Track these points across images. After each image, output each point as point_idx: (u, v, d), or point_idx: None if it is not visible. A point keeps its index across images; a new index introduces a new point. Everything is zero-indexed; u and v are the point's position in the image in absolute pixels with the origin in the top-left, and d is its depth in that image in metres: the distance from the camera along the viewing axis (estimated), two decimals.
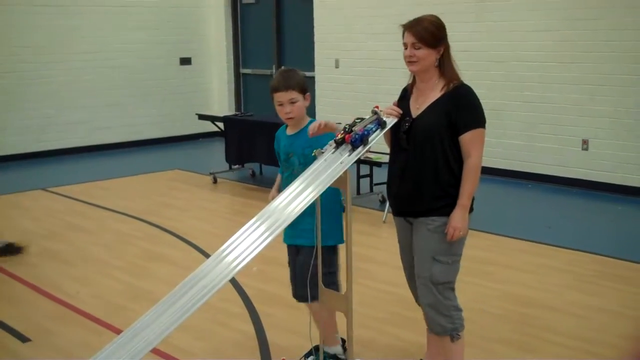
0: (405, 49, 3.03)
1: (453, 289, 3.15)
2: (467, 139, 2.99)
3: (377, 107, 2.98)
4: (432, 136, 2.99)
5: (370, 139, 2.89)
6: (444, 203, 3.03)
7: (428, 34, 2.98)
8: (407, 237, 3.22)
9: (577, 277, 4.85)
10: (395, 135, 3.10)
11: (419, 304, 3.33)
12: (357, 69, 9.14)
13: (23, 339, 3.97)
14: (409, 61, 3.03)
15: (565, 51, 7.26)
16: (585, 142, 7.24)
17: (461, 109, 2.99)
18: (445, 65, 3.04)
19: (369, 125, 2.89)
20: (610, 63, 6.96)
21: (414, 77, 3.14)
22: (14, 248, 5.45)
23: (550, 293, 4.55)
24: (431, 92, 3.06)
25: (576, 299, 4.45)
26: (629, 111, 6.91)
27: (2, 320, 4.22)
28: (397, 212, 3.25)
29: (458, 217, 2.99)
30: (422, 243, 3.10)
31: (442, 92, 3.03)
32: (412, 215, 3.14)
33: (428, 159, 3.01)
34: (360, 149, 2.87)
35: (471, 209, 3.10)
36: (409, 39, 3.01)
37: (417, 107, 3.09)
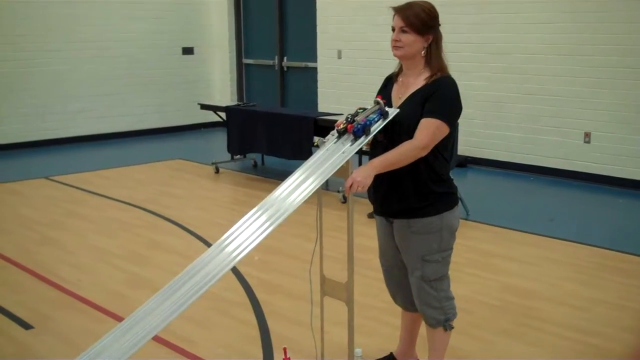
0: (393, 32, 2.93)
1: (446, 278, 3.08)
2: (422, 122, 2.84)
3: (379, 97, 2.96)
4: (408, 128, 2.87)
5: (372, 129, 2.87)
6: (426, 202, 2.92)
7: (417, 19, 2.87)
8: (387, 238, 3.13)
9: (577, 269, 4.86)
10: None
11: (398, 304, 3.30)
12: (360, 60, 9.12)
13: (25, 325, 3.99)
14: (394, 45, 2.93)
15: (567, 43, 7.24)
16: (587, 135, 7.23)
17: (433, 97, 2.86)
18: (432, 56, 2.92)
19: (371, 116, 2.88)
20: (613, 56, 6.94)
21: (401, 66, 3.05)
22: None
23: (550, 285, 4.56)
24: (414, 82, 2.95)
25: (576, 291, 4.46)
26: (632, 104, 6.90)
27: (4, 306, 4.24)
28: (377, 211, 3.14)
29: (361, 170, 2.78)
30: (408, 245, 3.01)
31: (424, 83, 2.92)
32: (391, 215, 3.03)
33: None
34: (362, 139, 2.86)
35: (456, 202, 3.03)
36: (398, 22, 2.90)
37: (399, 97, 3.00)
